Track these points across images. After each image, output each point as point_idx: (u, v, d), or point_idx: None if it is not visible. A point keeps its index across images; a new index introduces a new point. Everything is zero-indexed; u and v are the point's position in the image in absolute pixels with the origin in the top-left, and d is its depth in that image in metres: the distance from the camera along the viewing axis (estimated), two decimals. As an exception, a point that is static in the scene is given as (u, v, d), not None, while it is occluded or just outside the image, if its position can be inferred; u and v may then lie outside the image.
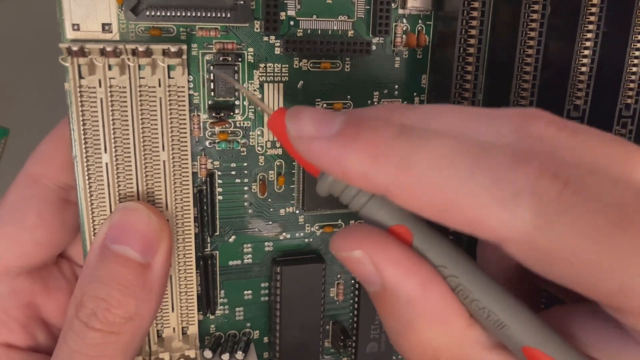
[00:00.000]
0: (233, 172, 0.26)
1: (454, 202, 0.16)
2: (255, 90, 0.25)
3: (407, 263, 0.18)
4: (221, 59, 0.24)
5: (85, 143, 0.23)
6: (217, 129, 0.25)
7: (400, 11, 0.26)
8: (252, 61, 0.25)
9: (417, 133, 0.17)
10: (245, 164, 0.26)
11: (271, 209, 0.27)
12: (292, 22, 0.25)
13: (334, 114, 0.18)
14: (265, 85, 0.25)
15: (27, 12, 0.54)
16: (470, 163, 0.16)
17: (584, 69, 0.25)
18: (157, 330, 0.26)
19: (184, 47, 0.23)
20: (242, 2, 0.23)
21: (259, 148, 0.26)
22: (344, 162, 0.17)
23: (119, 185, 0.24)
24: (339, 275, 0.29)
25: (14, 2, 0.53)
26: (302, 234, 0.28)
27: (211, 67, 0.24)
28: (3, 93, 0.55)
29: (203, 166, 0.26)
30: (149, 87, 0.23)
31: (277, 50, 0.25)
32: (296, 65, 0.26)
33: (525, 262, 0.16)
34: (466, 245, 0.29)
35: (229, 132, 0.26)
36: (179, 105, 0.24)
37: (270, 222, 0.28)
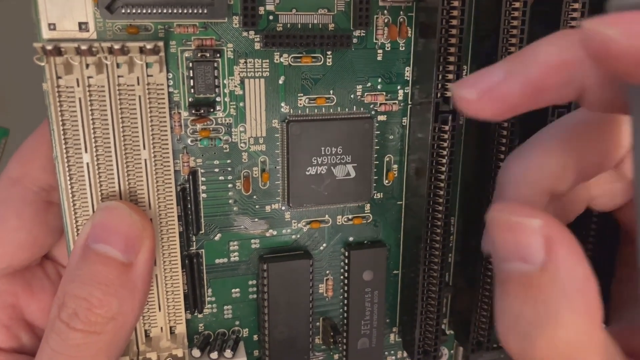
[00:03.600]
0: (216, 170, 0.26)
1: None
2: (236, 86, 0.25)
3: (579, 251, 0.17)
4: (199, 55, 0.24)
5: (66, 143, 0.23)
6: (198, 126, 0.25)
7: (381, 3, 0.26)
8: (231, 57, 0.25)
9: None
10: (228, 161, 0.26)
11: (256, 206, 0.27)
12: (271, 17, 0.25)
13: None
14: (246, 81, 0.25)
15: (27, 12, 0.54)
16: None
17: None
18: (145, 330, 0.26)
19: (161, 44, 0.22)
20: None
21: (242, 145, 0.26)
22: None
23: (100, 185, 0.24)
24: (327, 272, 0.29)
25: (14, 1, 0.53)
26: (289, 230, 0.28)
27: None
28: (3, 93, 0.55)
29: (185, 164, 0.25)
30: (128, 85, 0.23)
31: (257, 46, 0.25)
32: (277, 60, 0.25)
33: None
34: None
35: (211, 129, 0.25)
36: (159, 103, 0.24)
37: (256, 219, 0.27)
